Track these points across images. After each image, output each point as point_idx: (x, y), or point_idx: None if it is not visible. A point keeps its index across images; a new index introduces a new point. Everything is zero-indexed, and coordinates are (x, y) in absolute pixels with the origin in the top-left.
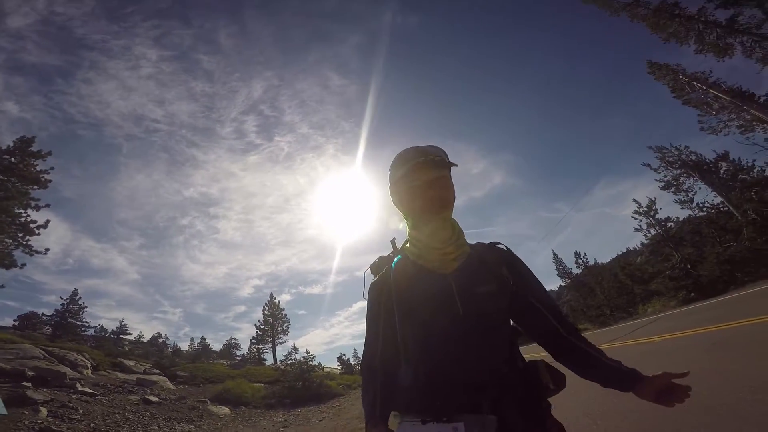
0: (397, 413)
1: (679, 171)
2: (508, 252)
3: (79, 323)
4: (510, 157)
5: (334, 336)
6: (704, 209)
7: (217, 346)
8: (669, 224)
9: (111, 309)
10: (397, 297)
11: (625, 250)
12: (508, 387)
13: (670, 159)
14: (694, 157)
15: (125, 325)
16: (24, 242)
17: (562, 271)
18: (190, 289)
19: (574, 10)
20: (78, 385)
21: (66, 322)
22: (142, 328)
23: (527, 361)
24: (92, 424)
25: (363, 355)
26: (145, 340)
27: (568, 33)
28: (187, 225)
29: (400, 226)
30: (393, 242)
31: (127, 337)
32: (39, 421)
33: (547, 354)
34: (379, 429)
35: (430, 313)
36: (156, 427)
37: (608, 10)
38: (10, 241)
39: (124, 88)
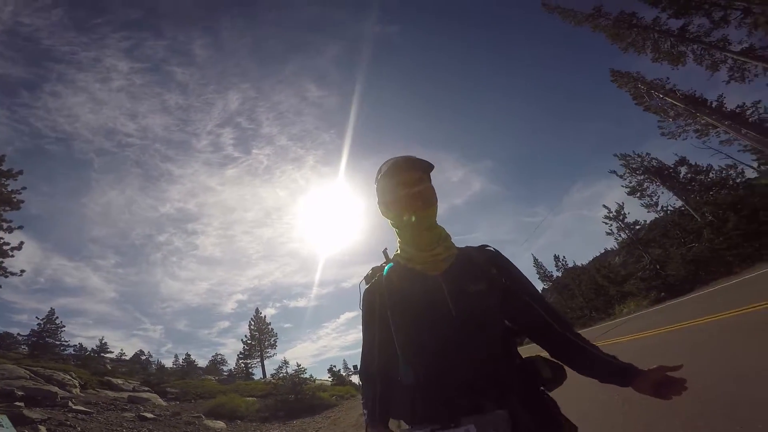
0: (399, 420)
1: (642, 177)
2: (497, 253)
3: (58, 342)
4: (489, 164)
5: (322, 348)
6: (667, 212)
7: (202, 362)
8: (637, 227)
9: (88, 327)
10: (390, 302)
11: (603, 251)
12: (508, 384)
13: (634, 166)
14: (655, 163)
15: (105, 343)
16: None
17: (543, 275)
18: (171, 306)
19: (543, 20)
20: (70, 403)
21: (44, 342)
22: (122, 345)
23: (524, 358)
24: None
25: (361, 362)
26: (127, 358)
27: (540, 40)
28: (164, 242)
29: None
30: (385, 252)
31: (108, 355)
32: None
33: (545, 352)
34: (378, 430)
35: (422, 315)
36: None
37: (571, 21)
38: None
39: (95, 101)
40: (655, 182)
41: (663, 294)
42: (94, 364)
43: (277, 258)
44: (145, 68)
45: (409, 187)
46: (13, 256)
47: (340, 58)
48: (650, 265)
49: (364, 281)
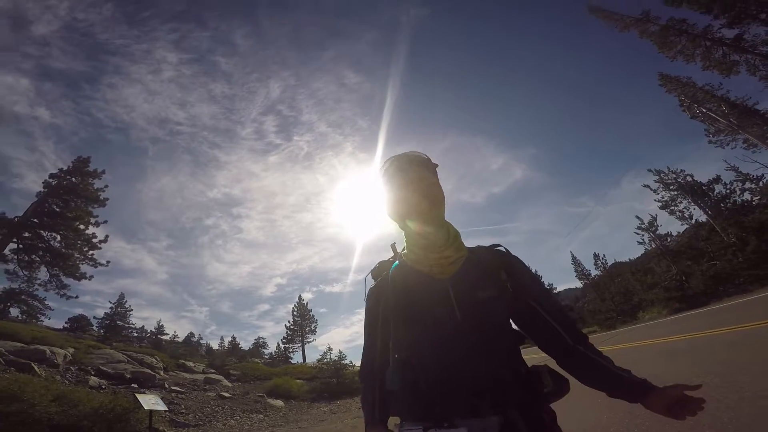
0: (397, 418)
1: (675, 192)
2: (507, 254)
3: (126, 325)
4: (531, 151)
5: (354, 334)
6: (698, 227)
7: (244, 345)
8: (668, 239)
9: (142, 308)
10: (395, 303)
11: (644, 251)
12: (509, 392)
13: (668, 181)
14: (689, 179)
15: (162, 325)
16: (89, 256)
17: (581, 273)
18: (216, 288)
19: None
20: (166, 384)
21: (115, 325)
22: (171, 326)
23: (530, 366)
24: (198, 416)
25: (362, 361)
26: (180, 340)
27: (589, 29)
28: (211, 225)
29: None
30: (393, 246)
31: (163, 336)
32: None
33: (552, 360)
34: (378, 430)
35: (428, 320)
36: (238, 416)
37: (617, 25)
38: (78, 255)
39: (148, 92)
40: (687, 199)
41: (681, 305)
42: (172, 348)
43: (315, 243)
44: (192, 59)
45: (414, 187)
46: (101, 248)
47: (377, 43)
48: (677, 276)
49: (370, 276)
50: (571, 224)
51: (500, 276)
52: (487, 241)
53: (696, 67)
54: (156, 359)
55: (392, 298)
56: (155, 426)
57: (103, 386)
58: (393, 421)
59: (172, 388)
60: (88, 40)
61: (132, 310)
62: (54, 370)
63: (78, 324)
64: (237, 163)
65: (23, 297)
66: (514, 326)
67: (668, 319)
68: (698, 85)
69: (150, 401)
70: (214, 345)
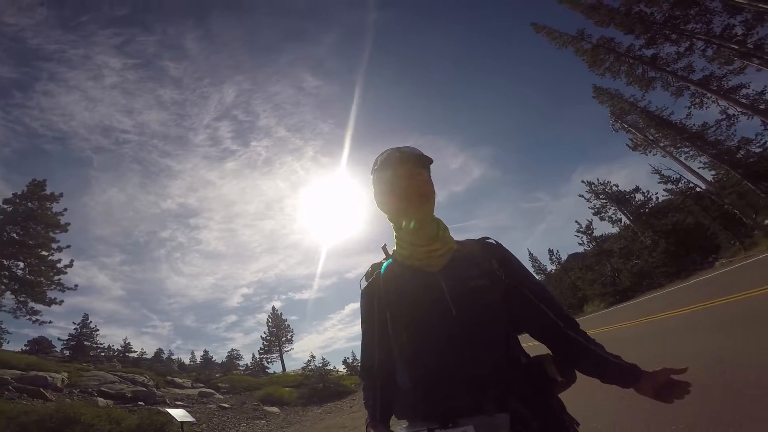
0: (401, 420)
1: (604, 201)
2: (498, 245)
3: (94, 345)
4: (489, 150)
5: (329, 339)
6: (625, 230)
7: (216, 358)
8: (603, 242)
9: (99, 326)
10: (387, 300)
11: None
12: (512, 384)
13: (597, 191)
14: (615, 188)
15: (129, 343)
16: (56, 281)
17: (538, 268)
18: (178, 302)
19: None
20: (167, 400)
21: (82, 345)
22: (133, 343)
23: (532, 356)
24: (210, 425)
25: (361, 361)
26: (148, 357)
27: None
28: (167, 238)
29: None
30: (384, 248)
31: (130, 354)
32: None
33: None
34: (379, 430)
35: (421, 313)
36: (244, 424)
37: (557, 42)
38: (45, 281)
39: (89, 99)
40: (613, 207)
41: (616, 298)
42: (157, 366)
43: (280, 250)
44: (137, 64)
45: (406, 181)
46: (66, 273)
47: (337, 47)
48: (611, 273)
49: (364, 279)
50: (528, 219)
51: (491, 265)
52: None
53: (621, 83)
54: (146, 377)
55: (385, 294)
56: None
57: (111, 405)
58: (398, 423)
59: (176, 402)
60: (17, 45)
61: (98, 330)
62: (60, 393)
63: (39, 346)
64: (191, 171)
65: None
66: (509, 316)
67: (603, 312)
68: (625, 97)
69: (180, 414)
70: (185, 360)
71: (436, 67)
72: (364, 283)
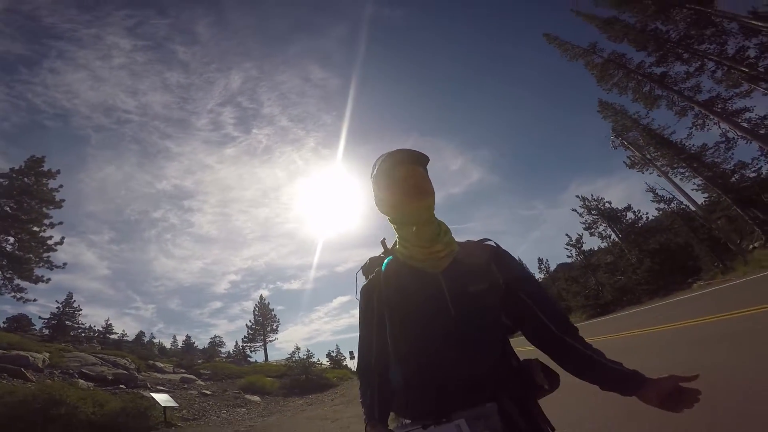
0: (396, 417)
1: (596, 217)
2: (498, 248)
3: (75, 325)
4: (488, 154)
5: (314, 331)
6: (613, 246)
7: (198, 344)
8: (592, 256)
9: (81, 305)
10: (388, 299)
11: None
12: (503, 385)
13: (590, 207)
14: (607, 205)
15: (111, 324)
16: (45, 259)
17: None
18: (164, 285)
19: (549, 11)
20: (148, 384)
21: (63, 324)
22: (114, 324)
23: (521, 360)
24: (191, 411)
25: (358, 358)
26: (129, 339)
27: (546, 29)
28: (159, 218)
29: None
30: (383, 242)
31: (111, 336)
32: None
33: (542, 353)
34: (378, 430)
35: (421, 314)
36: (224, 411)
37: (568, 54)
38: (34, 258)
39: (95, 78)
40: (605, 223)
41: (597, 311)
42: (139, 348)
43: (272, 239)
44: (146, 46)
45: (405, 179)
46: (56, 250)
47: (345, 40)
48: (595, 286)
49: (361, 272)
50: (523, 226)
51: (491, 269)
52: None
53: (626, 99)
54: (128, 360)
55: (386, 293)
56: (169, 420)
57: (91, 388)
58: (393, 421)
59: (157, 387)
60: (32, 23)
61: (81, 310)
62: (41, 374)
63: (18, 324)
64: (190, 154)
65: None
66: (504, 319)
67: (585, 323)
68: (629, 113)
69: (163, 399)
70: (167, 344)
71: (438, 67)
72: (361, 277)
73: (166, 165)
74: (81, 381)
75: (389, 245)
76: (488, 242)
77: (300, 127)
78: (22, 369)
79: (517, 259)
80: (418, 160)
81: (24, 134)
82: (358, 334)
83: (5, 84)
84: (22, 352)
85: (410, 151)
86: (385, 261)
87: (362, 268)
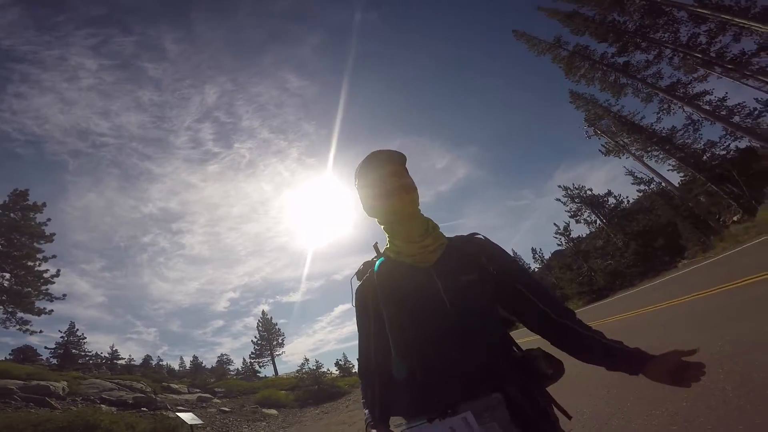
0: (400, 417)
1: (579, 204)
2: (486, 241)
3: (82, 353)
4: (473, 150)
5: (318, 342)
6: (600, 231)
7: (205, 363)
8: (580, 242)
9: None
10: (383, 297)
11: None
12: (506, 376)
13: (573, 195)
14: (589, 193)
15: (116, 350)
16: (44, 291)
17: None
18: (162, 308)
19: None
20: (168, 405)
21: (69, 353)
22: (118, 349)
23: (524, 350)
24: (214, 428)
25: (358, 360)
26: (137, 363)
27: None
28: (149, 242)
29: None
30: (375, 246)
31: (118, 361)
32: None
33: (543, 341)
34: (379, 430)
35: (416, 308)
36: (246, 427)
37: (535, 50)
38: (34, 291)
39: (64, 101)
40: (589, 209)
41: (593, 296)
42: (152, 372)
43: (266, 253)
44: (114, 65)
45: (384, 181)
46: (54, 283)
47: (321, 47)
48: (587, 273)
49: (356, 277)
50: (514, 217)
51: (480, 260)
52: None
53: (595, 89)
54: (143, 384)
55: (380, 291)
56: None
57: (114, 412)
58: (396, 421)
59: (177, 407)
60: None
61: (85, 338)
62: (63, 402)
63: (25, 355)
64: (172, 174)
65: None
66: (501, 311)
67: (581, 309)
68: (599, 102)
69: (189, 418)
70: (174, 365)
71: (419, 67)
72: (356, 282)
73: (149, 187)
74: (103, 406)
75: (381, 249)
76: (477, 236)
77: (282, 137)
78: (46, 398)
79: (512, 252)
80: (396, 160)
81: None
82: None
83: None
84: (42, 382)
85: (385, 152)
86: (377, 262)
87: (356, 273)
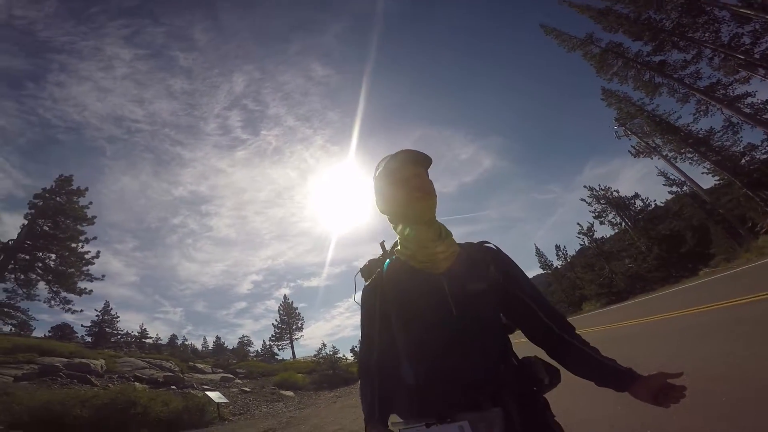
0: (398, 418)
1: (605, 205)
2: (497, 250)
3: (114, 332)
4: (499, 140)
5: (335, 327)
6: (624, 233)
7: (227, 344)
8: (604, 243)
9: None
10: (391, 299)
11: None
12: (505, 384)
13: (598, 196)
14: (615, 194)
15: (145, 329)
16: (85, 272)
17: (544, 264)
18: (189, 288)
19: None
20: (194, 384)
21: (103, 332)
22: (146, 328)
23: (522, 358)
24: (236, 407)
25: (359, 358)
26: (163, 342)
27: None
28: (179, 224)
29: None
30: (382, 244)
31: (146, 340)
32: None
33: (541, 351)
34: (378, 429)
35: (423, 314)
36: (265, 406)
37: (566, 46)
38: (76, 272)
39: (100, 90)
40: (614, 211)
41: (612, 298)
42: (179, 352)
43: (289, 238)
44: (147, 55)
45: (410, 179)
46: (94, 263)
47: (345, 36)
48: (608, 274)
49: (360, 274)
50: (540, 211)
51: (489, 270)
52: (460, 230)
53: (627, 88)
54: (172, 363)
55: (389, 293)
56: (222, 415)
57: (147, 389)
58: (393, 419)
59: (202, 387)
60: (28, 38)
61: (119, 317)
62: (102, 379)
63: (62, 332)
64: (202, 159)
65: (6, 310)
66: (504, 319)
67: (598, 312)
68: (633, 100)
69: (216, 396)
70: (198, 345)
71: (444, 57)
72: (360, 279)
73: (181, 172)
74: (137, 384)
75: (388, 247)
76: (488, 245)
77: (307, 125)
78: (87, 375)
79: (534, 248)
80: (422, 162)
81: (40, 149)
82: None
83: (15, 100)
84: (84, 360)
85: (414, 152)
86: (386, 262)
87: (361, 270)
